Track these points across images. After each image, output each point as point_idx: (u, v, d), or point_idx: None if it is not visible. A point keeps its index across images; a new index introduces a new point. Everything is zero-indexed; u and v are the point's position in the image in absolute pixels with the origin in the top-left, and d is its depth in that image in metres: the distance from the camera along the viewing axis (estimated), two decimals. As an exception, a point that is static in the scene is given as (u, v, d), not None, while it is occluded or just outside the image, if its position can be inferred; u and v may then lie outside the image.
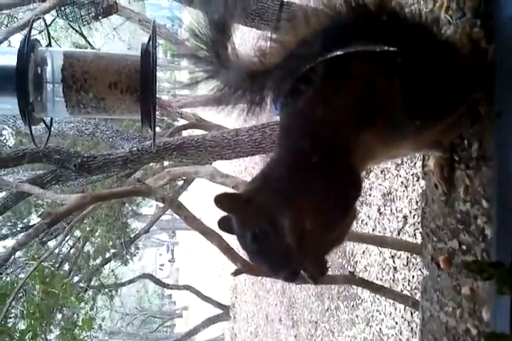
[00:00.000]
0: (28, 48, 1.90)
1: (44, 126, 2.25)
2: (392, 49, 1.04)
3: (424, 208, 1.19)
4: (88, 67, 2.01)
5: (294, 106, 1.09)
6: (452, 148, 1.10)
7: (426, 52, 1.02)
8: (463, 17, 1.05)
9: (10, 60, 1.96)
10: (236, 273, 2.92)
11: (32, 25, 1.92)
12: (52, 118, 2.16)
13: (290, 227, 1.00)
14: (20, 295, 5.60)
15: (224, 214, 1.07)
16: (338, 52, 1.05)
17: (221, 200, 1.02)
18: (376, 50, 1.05)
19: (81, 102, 2.00)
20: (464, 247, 1.02)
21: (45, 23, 2.08)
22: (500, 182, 0.83)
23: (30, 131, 1.98)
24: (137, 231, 10.78)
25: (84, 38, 8.73)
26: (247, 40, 12.56)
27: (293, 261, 1.01)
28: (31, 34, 1.97)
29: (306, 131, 1.07)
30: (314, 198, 1.03)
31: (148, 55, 2.02)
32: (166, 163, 8.70)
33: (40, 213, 8.73)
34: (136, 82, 2.02)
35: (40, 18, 2.11)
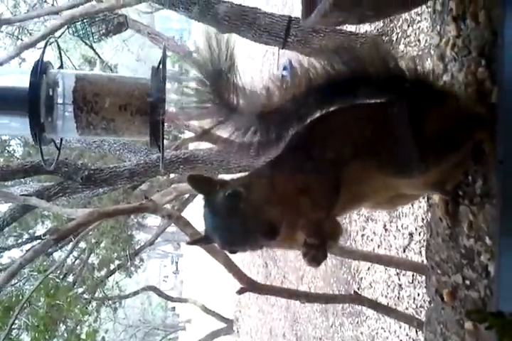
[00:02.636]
0: (40, 70, 1.93)
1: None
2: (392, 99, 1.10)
3: (429, 240, 1.20)
4: (99, 89, 2.05)
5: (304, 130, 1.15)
6: (457, 184, 1.11)
7: (424, 99, 1.07)
8: (468, 55, 1.07)
9: (21, 80, 1.99)
10: (241, 292, 2.93)
11: (46, 47, 1.96)
12: (62, 139, 2.19)
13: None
14: (24, 306, 5.60)
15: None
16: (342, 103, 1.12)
17: (193, 180, 1.14)
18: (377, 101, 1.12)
19: (91, 123, 2.03)
20: (468, 282, 1.03)
21: (58, 45, 2.12)
22: (502, 221, 0.84)
23: (41, 151, 2.01)
24: (142, 243, 10.77)
25: (94, 50, 8.81)
26: (255, 56, 12.64)
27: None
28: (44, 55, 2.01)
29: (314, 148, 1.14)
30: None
31: (158, 77, 2.05)
32: (172, 175, 8.72)
33: (47, 228, 8.77)
34: (146, 104, 2.05)
35: (54, 40, 2.15)
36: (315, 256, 1.09)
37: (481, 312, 0.79)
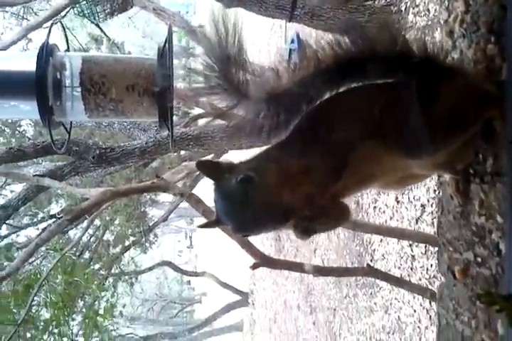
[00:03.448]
0: (46, 53, 1.92)
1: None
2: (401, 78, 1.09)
3: (440, 217, 1.20)
4: (106, 70, 2.04)
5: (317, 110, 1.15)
6: (467, 164, 1.11)
7: (432, 78, 1.06)
8: (477, 31, 1.05)
9: (28, 64, 1.99)
10: (255, 267, 2.96)
11: (50, 30, 1.94)
12: (71, 122, 2.19)
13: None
14: (42, 284, 5.71)
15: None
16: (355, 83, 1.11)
17: (202, 166, 1.16)
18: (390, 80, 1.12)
19: (99, 105, 2.03)
20: (479, 259, 1.04)
21: (64, 28, 2.10)
22: (513, 200, 0.84)
23: (51, 135, 2.02)
24: (155, 219, 10.87)
25: (100, 28, 8.75)
26: (262, 29, 12.47)
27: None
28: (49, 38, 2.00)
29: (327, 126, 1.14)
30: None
31: (165, 57, 2.03)
32: (182, 152, 8.74)
33: (62, 207, 8.86)
34: (154, 84, 2.04)
35: (59, 21, 2.13)
36: (305, 229, 1.10)
37: (491, 295, 0.79)
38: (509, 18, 0.85)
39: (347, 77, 1.13)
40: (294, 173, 1.10)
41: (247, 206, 1.07)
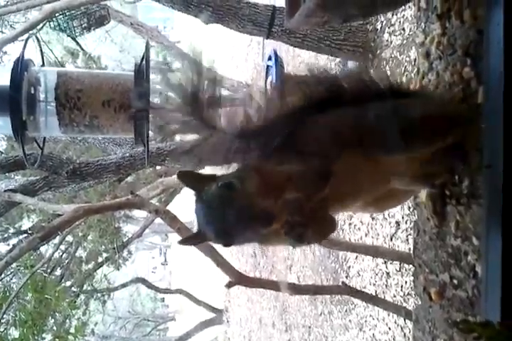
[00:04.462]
0: (21, 68, 1.90)
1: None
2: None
3: (416, 239, 1.20)
4: (82, 85, 2.02)
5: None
6: (443, 183, 1.12)
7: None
8: (454, 54, 1.07)
9: (2, 79, 1.96)
10: (230, 286, 2.93)
11: (26, 45, 1.92)
12: (44, 138, 2.16)
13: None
14: (11, 302, 5.57)
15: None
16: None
17: (183, 176, 1.15)
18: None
19: (74, 120, 2.01)
20: (455, 281, 1.03)
21: (39, 42, 2.08)
22: (488, 223, 0.84)
23: (24, 150, 1.98)
24: (129, 235, 10.74)
25: (77, 42, 8.70)
26: (239, 45, 12.57)
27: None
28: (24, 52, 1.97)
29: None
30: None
31: (141, 73, 2.02)
32: (158, 167, 8.69)
33: (33, 222, 8.69)
34: (130, 100, 2.02)
35: (34, 35, 2.11)
36: (301, 234, 1.08)
37: (468, 322, 0.79)
38: (485, 43, 0.86)
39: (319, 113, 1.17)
40: (276, 180, 1.10)
41: (228, 212, 1.06)
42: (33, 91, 1.95)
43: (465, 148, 1.06)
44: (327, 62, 6.36)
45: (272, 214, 1.07)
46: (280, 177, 1.12)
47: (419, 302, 1.16)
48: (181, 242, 1.29)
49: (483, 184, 0.90)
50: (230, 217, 1.06)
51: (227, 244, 1.16)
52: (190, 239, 1.27)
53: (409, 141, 1.10)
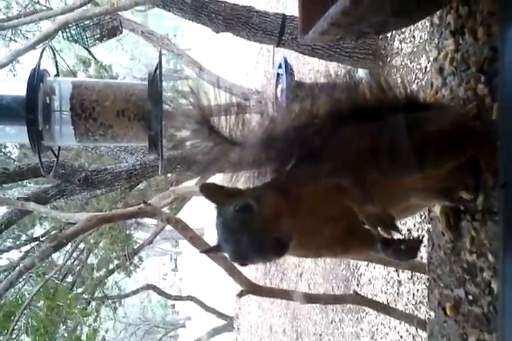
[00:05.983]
0: (37, 79, 1.93)
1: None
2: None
3: (431, 253, 1.19)
4: (97, 95, 2.05)
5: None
6: (461, 198, 1.11)
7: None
8: (467, 70, 1.06)
9: (19, 89, 1.99)
10: (241, 295, 2.93)
11: (42, 56, 1.95)
12: (59, 147, 2.19)
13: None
14: (24, 309, 5.60)
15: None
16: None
17: (205, 189, 1.12)
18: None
19: (89, 130, 2.04)
20: (471, 297, 1.02)
21: (54, 53, 2.11)
22: (505, 241, 0.83)
23: (40, 159, 2.01)
24: (140, 242, 10.76)
25: (89, 51, 8.77)
26: (249, 53, 12.61)
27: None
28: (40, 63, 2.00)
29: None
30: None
31: (155, 84, 2.05)
32: (169, 175, 8.71)
33: (46, 229, 8.73)
34: (144, 109, 2.05)
35: (49, 46, 2.14)
36: (400, 248, 1.06)
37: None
38: (500, 60, 0.86)
39: (339, 126, 1.15)
40: (295, 203, 1.08)
41: (244, 235, 1.04)
42: (48, 101, 1.98)
43: (480, 164, 1.06)
44: (338, 70, 6.37)
45: (285, 245, 1.05)
46: (297, 198, 1.09)
47: (433, 315, 1.15)
48: (203, 252, 1.36)
49: (499, 201, 0.90)
50: (243, 243, 1.04)
51: (241, 265, 1.16)
52: (211, 249, 1.27)
53: (424, 160, 1.08)
